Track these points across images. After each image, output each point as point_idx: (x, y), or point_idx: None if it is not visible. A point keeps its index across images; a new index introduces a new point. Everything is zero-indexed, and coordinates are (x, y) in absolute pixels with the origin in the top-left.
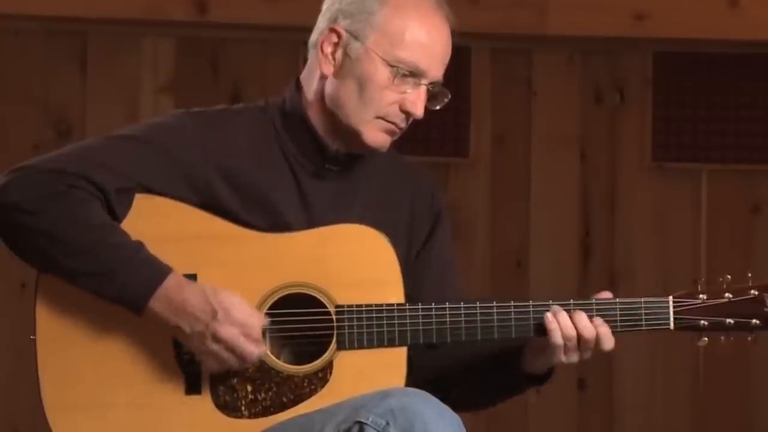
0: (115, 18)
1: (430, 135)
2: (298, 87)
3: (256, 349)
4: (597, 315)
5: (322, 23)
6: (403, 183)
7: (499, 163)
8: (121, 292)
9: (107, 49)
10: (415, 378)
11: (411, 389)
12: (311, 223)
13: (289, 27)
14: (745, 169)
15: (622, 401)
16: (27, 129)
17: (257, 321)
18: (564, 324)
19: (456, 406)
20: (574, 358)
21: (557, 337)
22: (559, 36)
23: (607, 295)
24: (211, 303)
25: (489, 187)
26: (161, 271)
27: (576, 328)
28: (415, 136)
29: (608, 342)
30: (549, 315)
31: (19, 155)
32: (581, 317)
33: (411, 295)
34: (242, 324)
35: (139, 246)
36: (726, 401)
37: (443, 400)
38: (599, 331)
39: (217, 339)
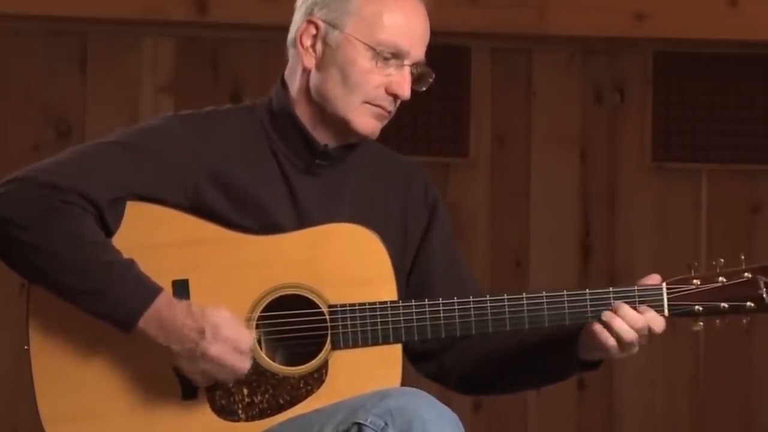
0: (115, 18)
1: (430, 135)
2: (284, 85)
3: (246, 363)
4: (592, 305)
5: (298, 18)
6: (394, 177)
7: (499, 163)
8: (112, 310)
9: (107, 49)
10: (462, 366)
11: (409, 389)
12: (302, 220)
13: (289, 27)
14: (745, 169)
15: (622, 401)
16: (27, 129)
17: (246, 336)
18: (618, 326)
19: (501, 390)
20: (633, 350)
21: (609, 341)
22: (559, 36)
23: (655, 279)
24: (199, 322)
25: (489, 187)
26: (152, 290)
27: (632, 326)
28: (415, 136)
29: (659, 325)
30: (596, 324)
31: (19, 155)
32: (627, 311)
33: (421, 291)
34: (232, 340)
35: (131, 264)
36: (726, 401)
37: (492, 385)
38: (647, 317)
39: (206, 358)
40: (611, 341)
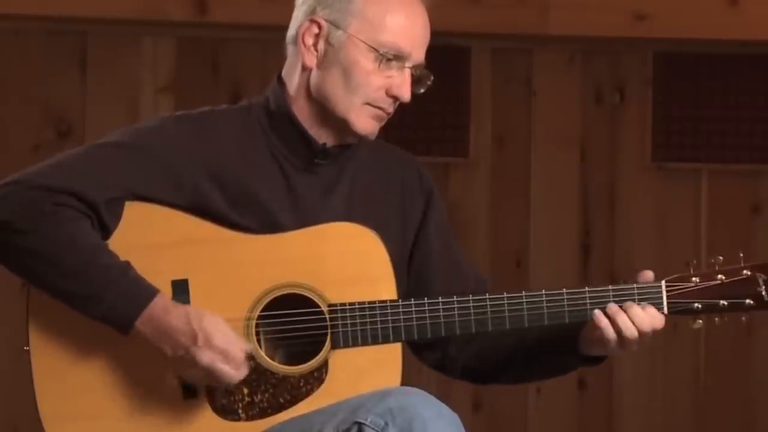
0: (115, 18)
1: (430, 135)
2: (281, 83)
3: (236, 373)
4: (592, 303)
5: (299, 16)
6: (390, 169)
7: (499, 163)
8: (108, 313)
9: (107, 49)
10: (466, 357)
11: (410, 388)
12: (302, 219)
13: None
14: (745, 169)
15: (622, 401)
16: (27, 129)
17: (238, 347)
18: (622, 321)
19: (505, 382)
20: (633, 347)
21: (610, 333)
22: (559, 36)
23: (649, 275)
24: (193, 327)
25: (489, 187)
26: (148, 293)
27: (633, 322)
28: (415, 136)
29: (660, 324)
30: (598, 313)
31: (19, 155)
32: (636, 310)
33: (421, 279)
34: (222, 350)
35: (127, 267)
36: (726, 401)
37: (495, 377)
38: (651, 316)
39: (197, 365)
40: (612, 335)
